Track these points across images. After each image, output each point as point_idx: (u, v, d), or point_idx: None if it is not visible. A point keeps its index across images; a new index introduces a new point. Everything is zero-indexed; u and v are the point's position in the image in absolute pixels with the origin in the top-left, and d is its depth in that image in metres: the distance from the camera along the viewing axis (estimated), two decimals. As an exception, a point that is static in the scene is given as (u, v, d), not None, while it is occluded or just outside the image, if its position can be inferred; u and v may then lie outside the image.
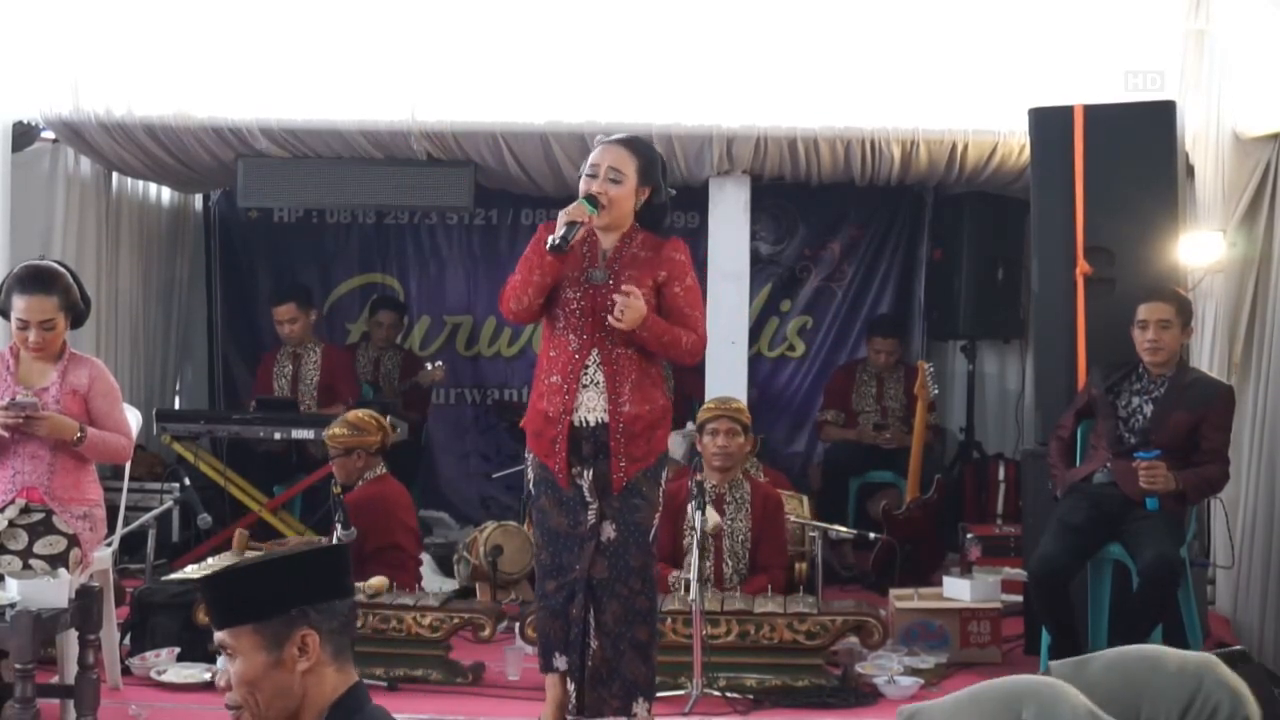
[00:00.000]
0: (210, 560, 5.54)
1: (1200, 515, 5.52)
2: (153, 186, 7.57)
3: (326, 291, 8.25)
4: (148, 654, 4.97)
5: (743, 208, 6.65)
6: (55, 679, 4.46)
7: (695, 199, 7.14)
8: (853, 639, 4.98)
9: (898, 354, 7.53)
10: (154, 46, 6.34)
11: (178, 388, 8.14)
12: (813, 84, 6.22)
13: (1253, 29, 5.57)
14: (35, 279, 4.46)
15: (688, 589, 4.76)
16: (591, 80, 6.23)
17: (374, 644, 4.95)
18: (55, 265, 4.61)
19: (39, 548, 4.39)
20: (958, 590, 5.35)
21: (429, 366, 7.54)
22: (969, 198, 7.31)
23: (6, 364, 4.51)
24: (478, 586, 5.95)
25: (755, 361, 7.69)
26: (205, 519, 5.41)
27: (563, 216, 3.99)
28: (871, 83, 6.20)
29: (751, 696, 4.67)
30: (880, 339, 7.49)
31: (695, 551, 4.54)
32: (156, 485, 6.51)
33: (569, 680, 4.16)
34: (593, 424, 4.09)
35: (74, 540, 4.45)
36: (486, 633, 5.05)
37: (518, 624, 5.18)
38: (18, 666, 3.95)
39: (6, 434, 4.39)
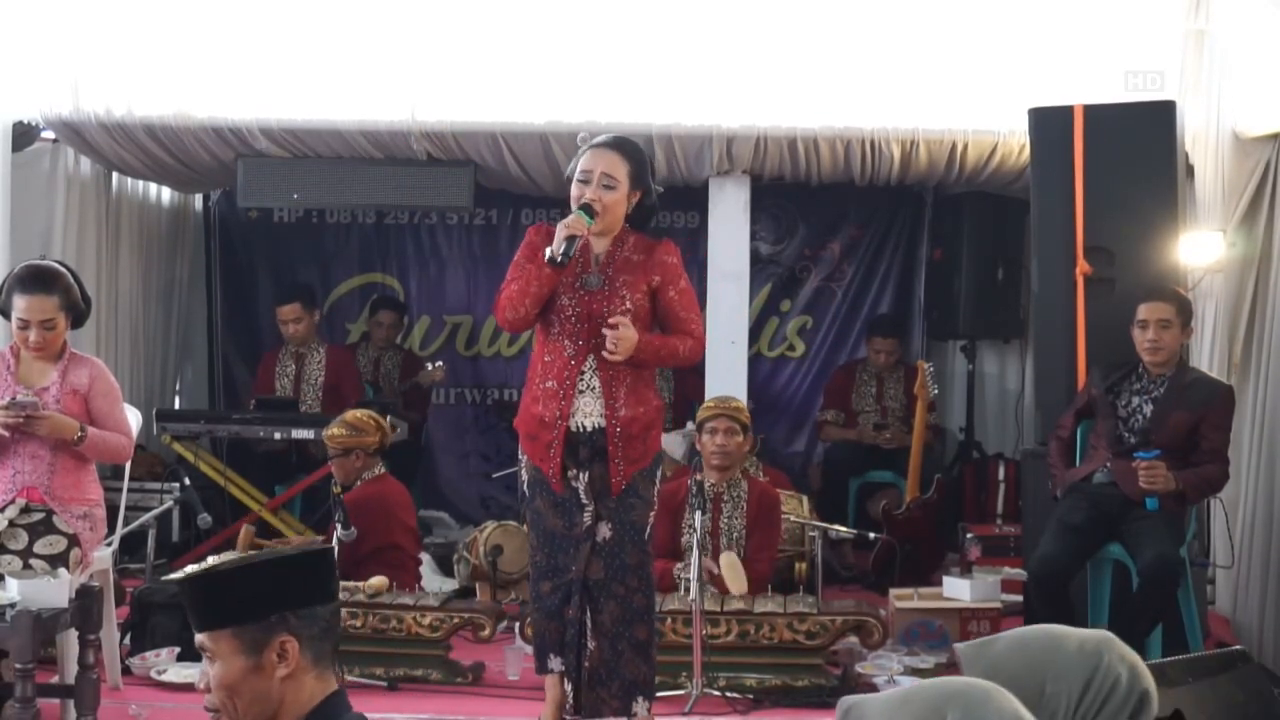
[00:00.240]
0: (210, 560, 5.53)
1: (1200, 515, 5.52)
2: (153, 186, 7.57)
3: (326, 291, 8.24)
4: (148, 654, 4.97)
5: (743, 208, 6.64)
6: (55, 679, 4.46)
7: (695, 199, 7.14)
8: (853, 639, 4.98)
9: (898, 354, 7.54)
10: (154, 46, 6.34)
11: (178, 388, 8.14)
12: (813, 84, 6.22)
13: (1253, 29, 5.57)
14: (36, 279, 4.46)
15: (688, 589, 4.76)
16: (591, 80, 6.23)
17: (374, 644, 4.96)
18: (56, 265, 4.61)
19: (39, 547, 4.39)
20: (958, 590, 5.35)
21: (429, 366, 7.54)
22: (969, 198, 7.31)
23: (7, 364, 4.51)
24: (478, 586, 5.95)
25: (755, 361, 7.69)
26: (205, 519, 5.41)
27: (562, 230, 3.98)
28: (871, 83, 6.20)
29: (751, 696, 4.67)
30: (880, 339, 7.49)
31: (695, 551, 4.54)
32: (156, 485, 6.51)
33: (566, 680, 4.16)
34: (590, 429, 4.09)
35: (74, 540, 4.45)
36: (486, 633, 5.05)
37: (518, 624, 5.18)
38: (18, 666, 3.95)
39: (7, 434, 4.39)
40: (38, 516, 4.44)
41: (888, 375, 7.48)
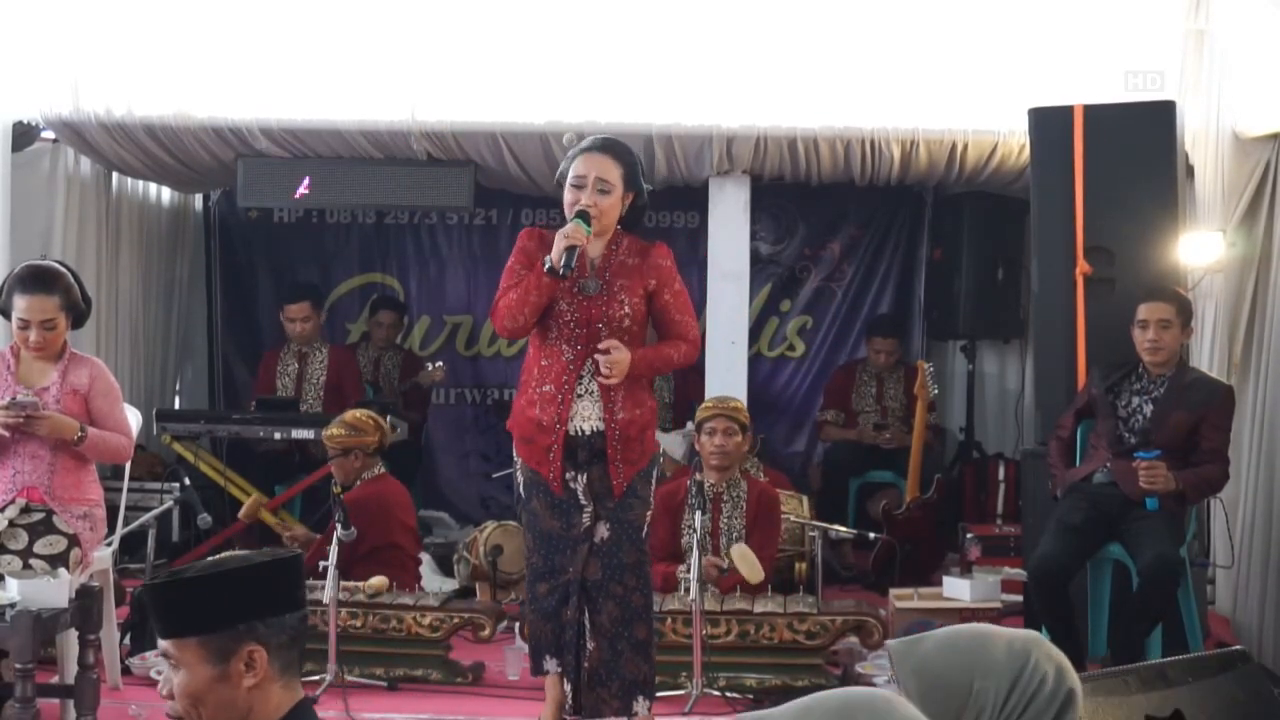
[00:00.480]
0: (211, 559, 5.54)
1: (1200, 515, 5.52)
2: (153, 186, 7.57)
3: (326, 292, 8.23)
4: (148, 654, 4.97)
5: (743, 208, 6.64)
6: (55, 679, 4.46)
7: (695, 199, 7.15)
8: (853, 639, 4.98)
9: (897, 354, 7.54)
10: (154, 46, 6.34)
11: (178, 388, 8.14)
12: (813, 84, 6.22)
13: (1253, 29, 5.57)
14: (36, 278, 4.46)
15: (688, 589, 4.76)
16: (591, 80, 6.23)
17: (374, 644, 4.96)
18: (56, 265, 4.61)
19: (39, 547, 4.40)
20: (958, 590, 5.35)
21: (429, 367, 7.54)
22: (969, 198, 7.31)
23: (7, 363, 4.51)
24: (478, 586, 5.96)
25: (755, 361, 7.69)
26: (205, 519, 5.41)
27: (561, 241, 3.97)
28: (871, 83, 6.20)
29: (751, 696, 4.68)
30: (880, 339, 7.49)
31: (695, 551, 4.54)
32: (156, 485, 6.51)
33: (565, 681, 4.16)
34: (588, 432, 4.10)
35: (74, 540, 4.45)
36: (486, 633, 5.05)
37: (518, 624, 5.18)
38: (18, 666, 3.95)
39: (7, 433, 4.39)
40: (38, 516, 4.44)
41: (888, 375, 7.48)
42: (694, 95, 6.24)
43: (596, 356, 4.04)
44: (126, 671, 4.90)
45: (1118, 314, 5.14)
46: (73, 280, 4.54)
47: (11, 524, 4.40)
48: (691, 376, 6.93)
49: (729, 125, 6.28)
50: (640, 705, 4.14)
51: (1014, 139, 6.18)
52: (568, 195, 4.09)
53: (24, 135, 6.35)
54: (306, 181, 6.62)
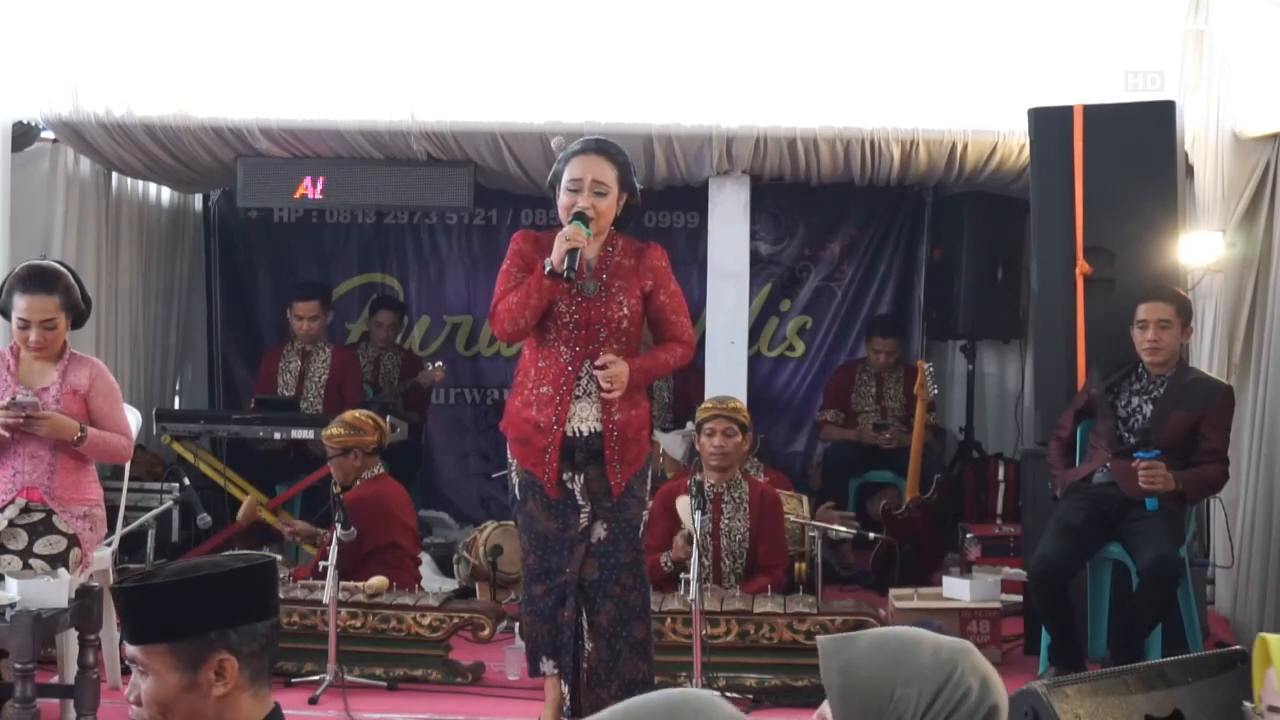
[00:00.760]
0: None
1: (1200, 515, 5.53)
2: (153, 186, 7.57)
3: (327, 291, 8.25)
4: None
5: (743, 208, 6.64)
6: (55, 679, 4.47)
7: (695, 199, 7.14)
8: (853, 639, 4.97)
9: (897, 354, 7.54)
10: (154, 46, 6.34)
11: (178, 388, 8.14)
12: (813, 84, 6.22)
13: (1252, 29, 5.57)
14: (36, 278, 4.46)
15: (688, 589, 4.76)
16: (591, 80, 6.23)
17: (374, 644, 4.96)
18: (56, 265, 4.61)
19: (39, 547, 4.40)
20: (957, 590, 5.35)
21: (429, 367, 7.54)
22: (969, 198, 7.31)
23: (7, 364, 4.52)
24: (477, 586, 5.96)
25: (755, 361, 7.69)
26: (205, 519, 5.41)
27: (562, 243, 3.97)
28: (871, 83, 6.20)
29: (751, 696, 4.68)
30: (880, 339, 7.49)
31: (695, 551, 4.54)
32: (156, 485, 6.50)
33: (563, 682, 4.16)
34: (586, 433, 4.10)
35: (74, 540, 4.45)
36: (486, 633, 5.06)
37: (517, 624, 5.18)
38: (18, 666, 3.95)
39: (7, 434, 4.39)
40: (38, 516, 4.44)
41: (887, 375, 7.49)
42: (694, 95, 6.24)
43: (595, 372, 4.05)
44: (126, 671, 4.84)
45: (1118, 314, 5.14)
46: (73, 280, 4.55)
47: (11, 524, 4.40)
48: (691, 376, 6.93)
49: (729, 125, 6.28)
50: (640, 705, 4.13)
51: (1014, 139, 6.18)
52: (563, 198, 4.09)
53: (24, 135, 6.35)
54: (321, 183, 6.61)
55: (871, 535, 6.29)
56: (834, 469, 7.43)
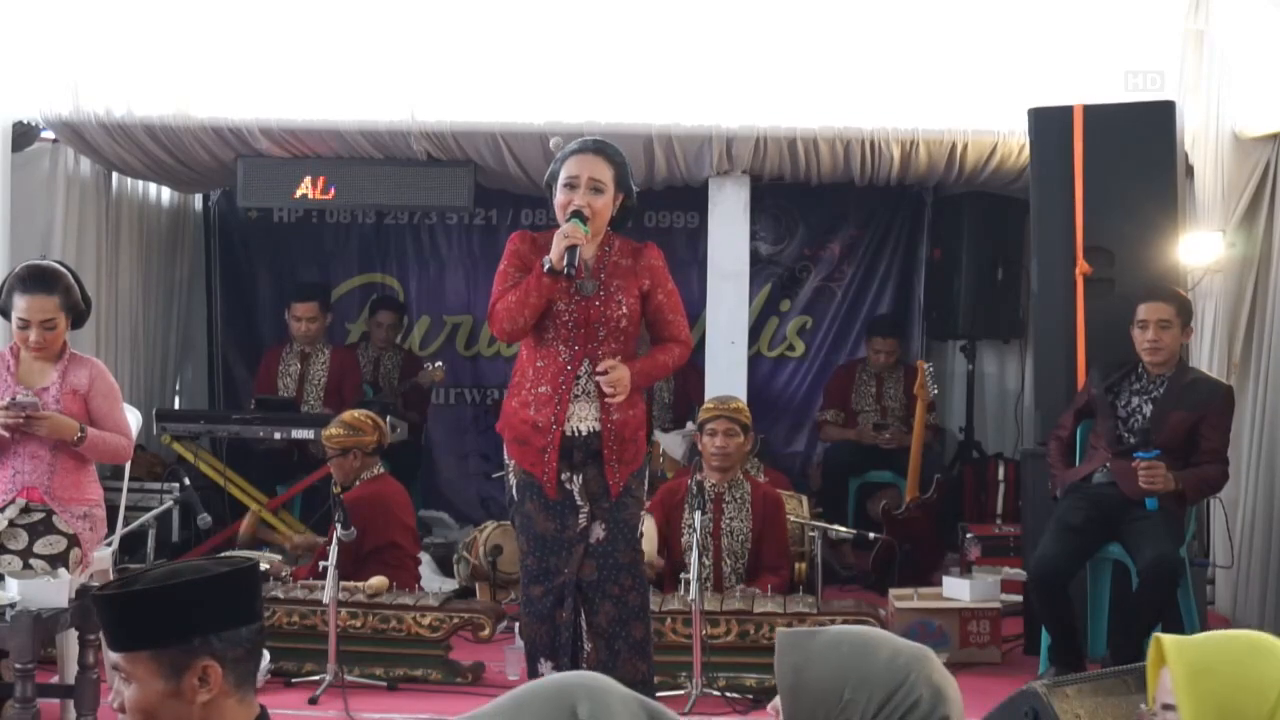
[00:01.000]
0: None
1: (1200, 515, 5.52)
2: (153, 186, 7.57)
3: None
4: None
5: (742, 208, 6.64)
6: (55, 679, 4.46)
7: (695, 199, 7.14)
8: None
9: (897, 354, 7.54)
10: (154, 46, 6.34)
11: (178, 388, 8.14)
12: (813, 84, 6.22)
13: (1252, 29, 5.57)
14: (36, 278, 4.46)
15: (688, 589, 4.76)
16: (591, 80, 6.23)
17: (374, 644, 4.96)
18: (56, 265, 4.61)
19: (39, 547, 4.40)
20: (957, 590, 5.35)
21: (429, 367, 7.54)
22: (969, 198, 7.31)
23: (7, 364, 4.52)
24: (477, 586, 5.96)
25: (755, 361, 7.69)
26: (205, 519, 5.41)
27: (561, 240, 3.97)
28: (871, 83, 6.21)
29: (751, 696, 4.68)
30: (880, 339, 7.49)
31: (695, 551, 4.54)
32: (156, 485, 6.51)
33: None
34: (585, 433, 4.10)
35: (74, 540, 4.45)
36: (486, 633, 5.06)
37: (517, 624, 5.18)
38: (18, 666, 3.95)
39: (7, 434, 4.39)
40: (38, 516, 4.44)
41: (887, 375, 7.49)
42: (693, 95, 6.25)
43: (597, 378, 4.05)
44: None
45: (1117, 314, 5.14)
46: (73, 280, 4.54)
47: (11, 524, 4.40)
48: (691, 376, 6.94)
49: (729, 125, 6.29)
50: (640, 705, 4.14)
51: (1014, 139, 6.19)
52: (560, 196, 4.10)
53: (24, 135, 6.35)
54: (321, 183, 6.61)
55: (871, 535, 6.29)
56: (834, 469, 7.43)
